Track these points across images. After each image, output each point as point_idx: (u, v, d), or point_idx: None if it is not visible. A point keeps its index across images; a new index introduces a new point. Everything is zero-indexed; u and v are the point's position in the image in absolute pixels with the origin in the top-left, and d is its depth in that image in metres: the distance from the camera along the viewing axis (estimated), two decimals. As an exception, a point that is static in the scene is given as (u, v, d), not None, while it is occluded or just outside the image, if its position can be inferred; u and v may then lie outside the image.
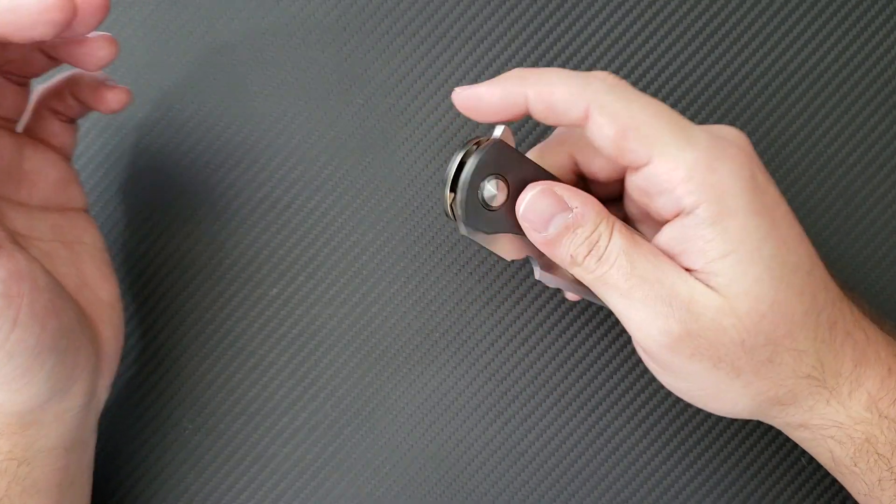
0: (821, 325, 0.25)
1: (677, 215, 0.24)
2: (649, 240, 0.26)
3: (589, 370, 0.34)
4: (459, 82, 0.34)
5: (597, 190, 0.29)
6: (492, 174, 0.26)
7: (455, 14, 0.34)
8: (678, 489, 0.34)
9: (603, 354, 0.34)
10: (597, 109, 0.24)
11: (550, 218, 0.25)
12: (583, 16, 0.34)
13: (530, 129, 0.34)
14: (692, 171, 0.23)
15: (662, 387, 0.34)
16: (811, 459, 0.33)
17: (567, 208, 0.25)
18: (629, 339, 0.34)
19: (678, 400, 0.34)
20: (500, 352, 0.34)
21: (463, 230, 0.26)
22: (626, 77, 0.34)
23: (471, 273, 0.34)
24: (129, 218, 0.34)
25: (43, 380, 0.25)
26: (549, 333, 0.34)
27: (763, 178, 0.25)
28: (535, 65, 0.34)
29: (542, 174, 0.27)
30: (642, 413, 0.34)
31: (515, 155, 0.26)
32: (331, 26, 0.34)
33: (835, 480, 0.33)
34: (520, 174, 0.26)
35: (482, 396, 0.34)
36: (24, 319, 0.24)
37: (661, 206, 0.25)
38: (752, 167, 0.24)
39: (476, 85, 0.26)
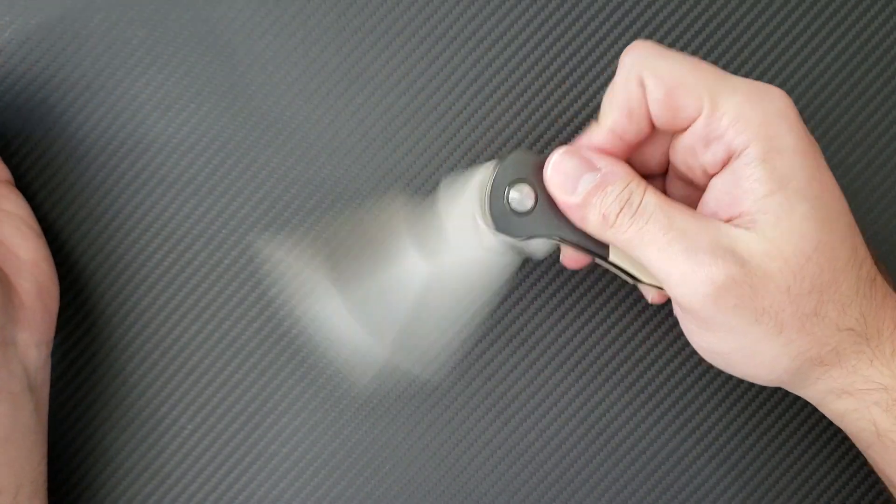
0: (862, 278, 0.25)
1: (726, 163, 0.25)
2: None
3: (589, 370, 0.34)
4: (459, 82, 0.34)
5: None
6: (516, 181, 0.27)
7: (455, 14, 0.34)
8: (678, 489, 0.34)
9: (603, 354, 0.34)
10: (647, 74, 0.25)
11: (578, 178, 0.25)
12: (583, 15, 0.34)
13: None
14: (739, 113, 0.24)
15: (663, 386, 0.34)
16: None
17: (594, 168, 0.25)
18: (629, 339, 0.34)
19: (679, 399, 0.34)
20: (501, 352, 0.34)
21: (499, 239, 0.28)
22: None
23: (471, 273, 0.34)
24: (128, 217, 0.34)
25: None
26: (549, 334, 0.34)
27: (804, 126, 0.25)
28: (534, 65, 0.34)
29: None
30: (642, 413, 0.34)
31: (539, 159, 0.27)
32: (331, 26, 0.34)
33: (836, 478, 0.33)
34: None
35: (482, 396, 0.34)
36: None
37: (710, 157, 0.25)
38: (795, 109, 0.25)
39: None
